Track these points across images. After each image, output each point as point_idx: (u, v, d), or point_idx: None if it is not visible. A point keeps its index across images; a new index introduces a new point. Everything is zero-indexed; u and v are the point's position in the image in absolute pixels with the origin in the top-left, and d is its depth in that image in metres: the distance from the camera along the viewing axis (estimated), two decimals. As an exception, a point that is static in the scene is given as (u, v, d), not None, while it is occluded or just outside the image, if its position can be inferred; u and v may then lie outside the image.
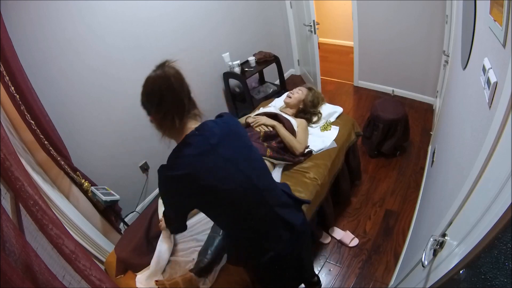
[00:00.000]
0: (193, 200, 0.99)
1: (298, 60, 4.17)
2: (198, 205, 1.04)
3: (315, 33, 3.19)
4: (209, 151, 0.94)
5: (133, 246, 1.57)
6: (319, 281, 1.73)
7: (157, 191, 2.77)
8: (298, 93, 2.15)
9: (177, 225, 1.12)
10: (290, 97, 2.16)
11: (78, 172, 1.81)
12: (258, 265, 1.13)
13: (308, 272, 1.46)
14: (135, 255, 1.52)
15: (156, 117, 0.94)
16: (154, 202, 1.90)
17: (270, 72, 3.52)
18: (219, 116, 1.08)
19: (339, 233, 2.12)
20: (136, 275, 1.47)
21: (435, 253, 0.85)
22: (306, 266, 1.35)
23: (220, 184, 0.94)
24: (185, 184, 0.93)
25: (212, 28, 2.89)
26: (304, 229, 1.15)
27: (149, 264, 1.47)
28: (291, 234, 1.09)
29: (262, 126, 1.98)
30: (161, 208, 1.72)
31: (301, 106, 2.15)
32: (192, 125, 0.97)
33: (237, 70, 2.97)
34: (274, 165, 1.88)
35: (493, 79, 0.73)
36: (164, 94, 0.90)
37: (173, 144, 1.00)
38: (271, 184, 1.10)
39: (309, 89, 2.20)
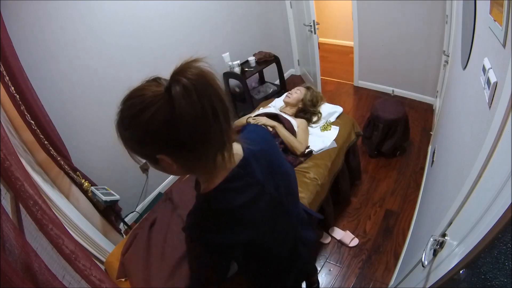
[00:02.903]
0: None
1: (298, 60, 4.17)
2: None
3: (315, 33, 3.19)
4: (259, 193, 0.73)
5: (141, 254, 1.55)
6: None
7: (157, 191, 2.77)
8: (296, 93, 2.16)
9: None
10: (289, 97, 2.17)
11: (78, 172, 1.81)
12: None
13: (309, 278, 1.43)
14: (143, 265, 1.50)
15: (174, 160, 0.62)
16: (156, 204, 1.89)
17: (270, 72, 3.53)
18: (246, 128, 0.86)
19: (339, 233, 2.12)
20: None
21: (435, 253, 0.85)
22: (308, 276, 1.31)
23: (268, 234, 0.80)
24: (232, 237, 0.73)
25: (212, 28, 2.89)
26: (314, 244, 1.12)
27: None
28: (307, 251, 1.05)
29: (263, 126, 1.99)
30: None
31: (300, 106, 2.15)
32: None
33: (237, 70, 2.97)
34: None
35: (493, 79, 0.73)
36: (179, 128, 0.55)
37: None
38: (300, 207, 1.01)
39: (308, 88, 2.20)
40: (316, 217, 1.17)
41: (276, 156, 0.82)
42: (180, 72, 0.53)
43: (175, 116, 0.53)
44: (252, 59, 3.11)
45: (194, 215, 0.71)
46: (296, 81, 4.11)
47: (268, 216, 0.78)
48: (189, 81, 0.52)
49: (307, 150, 1.95)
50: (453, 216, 0.81)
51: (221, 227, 0.70)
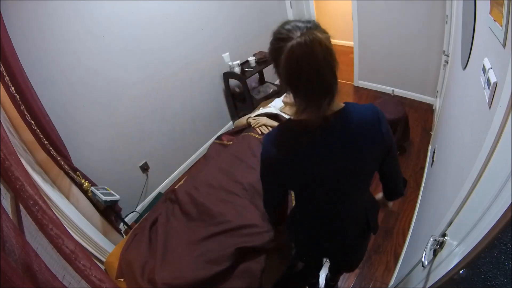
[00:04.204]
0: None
1: (298, 60, 4.16)
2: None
3: (315, 33, 3.18)
4: (309, 156, 0.81)
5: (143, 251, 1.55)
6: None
7: (157, 191, 2.77)
8: None
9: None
10: (287, 97, 2.17)
11: (78, 172, 1.81)
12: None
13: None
14: (142, 265, 1.50)
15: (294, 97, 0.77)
16: (156, 204, 1.89)
17: (270, 72, 3.52)
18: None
19: (339, 233, 2.11)
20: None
21: (435, 253, 0.85)
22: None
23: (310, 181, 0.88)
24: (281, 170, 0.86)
25: (212, 28, 2.89)
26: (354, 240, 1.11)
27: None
28: (347, 234, 1.07)
29: (263, 126, 1.99)
30: None
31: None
32: (330, 106, 0.78)
33: (237, 70, 2.97)
34: None
35: (493, 79, 0.73)
36: (301, 78, 0.69)
37: None
38: (359, 204, 1.01)
39: None
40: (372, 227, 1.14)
41: (357, 143, 0.81)
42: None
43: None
44: (252, 59, 3.11)
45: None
46: (296, 81, 4.11)
47: (310, 176, 0.85)
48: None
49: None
50: (453, 216, 0.81)
51: (275, 142, 0.84)
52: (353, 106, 0.82)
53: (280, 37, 0.70)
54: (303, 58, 0.66)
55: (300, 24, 0.69)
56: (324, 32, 0.69)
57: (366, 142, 0.81)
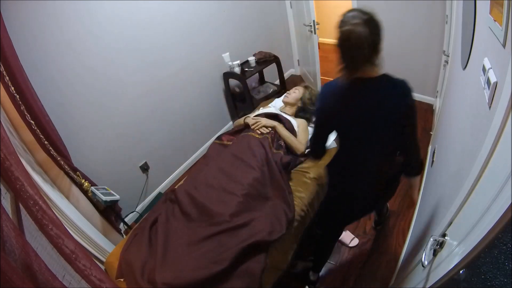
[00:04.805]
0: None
1: (298, 60, 4.16)
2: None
3: (315, 33, 3.19)
4: (353, 109, 1.11)
5: (144, 251, 1.55)
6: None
7: (157, 191, 2.77)
8: (295, 92, 2.16)
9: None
10: (287, 97, 2.17)
11: (78, 172, 1.81)
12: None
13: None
14: (142, 265, 1.50)
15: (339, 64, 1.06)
16: (156, 205, 1.89)
17: (270, 72, 3.53)
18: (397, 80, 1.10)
19: (339, 233, 2.12)
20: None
21: (435, 253, 0.85)
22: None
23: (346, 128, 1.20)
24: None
25: (213, 28, 2.89)
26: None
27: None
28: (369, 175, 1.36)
29: (263, 128, 1.98)
30: None
31: (299, 105, 2.16)
32: (370, 72, 1.05)
33: (237, 70, 2.97)
34: None
35: (493, 79, 0.73)
36: (343, 50, 1.01)
37: None
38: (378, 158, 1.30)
39: (306, 87, 2.21)
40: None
41: (385, 102, 1.08)
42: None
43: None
44: (252, 59, 3.11)
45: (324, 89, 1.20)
46: (296, 81, 4.11)
47: (347, 119, 1.15)
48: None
49: (307, 150, 1.95)
50: (453, 216, 0.81)
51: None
52: (389, 76, 1.08)
53: (341, 19, 0.99)
54: (344, 39, 0.98)
55: (359, 15, 0.95)
56: (369, 26, 0.94)
57: (391, 104, 1.07)
